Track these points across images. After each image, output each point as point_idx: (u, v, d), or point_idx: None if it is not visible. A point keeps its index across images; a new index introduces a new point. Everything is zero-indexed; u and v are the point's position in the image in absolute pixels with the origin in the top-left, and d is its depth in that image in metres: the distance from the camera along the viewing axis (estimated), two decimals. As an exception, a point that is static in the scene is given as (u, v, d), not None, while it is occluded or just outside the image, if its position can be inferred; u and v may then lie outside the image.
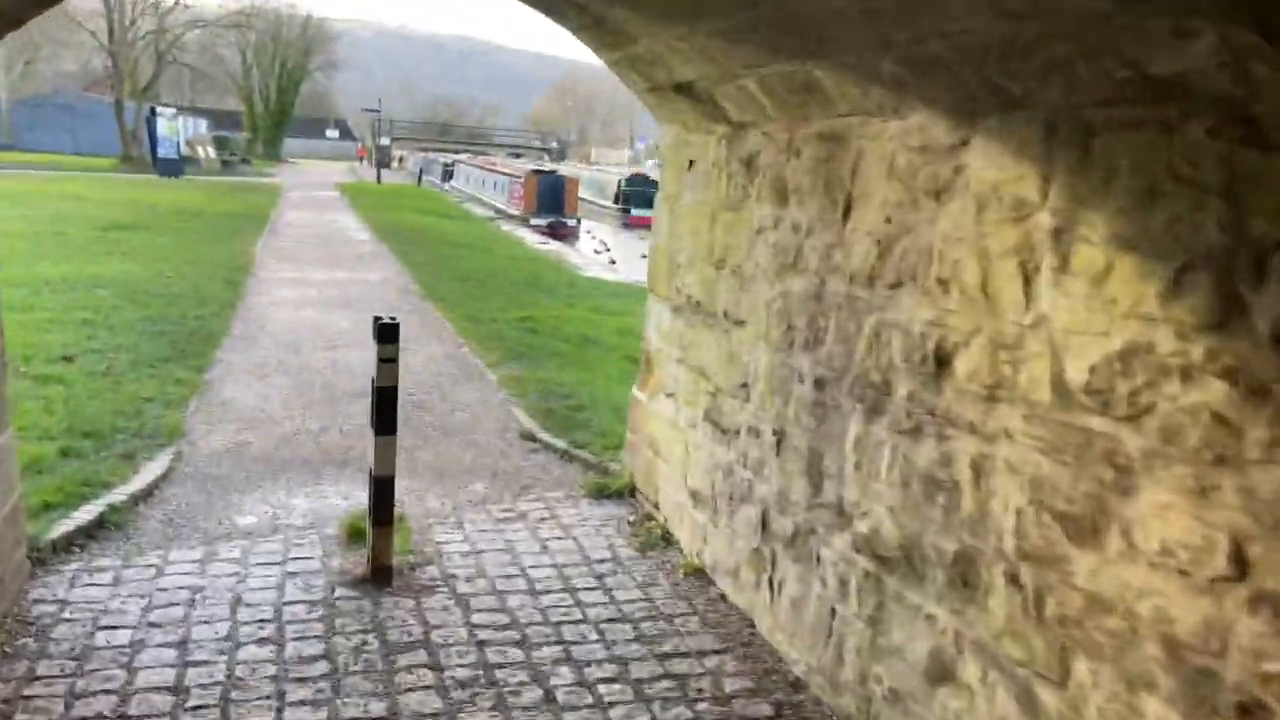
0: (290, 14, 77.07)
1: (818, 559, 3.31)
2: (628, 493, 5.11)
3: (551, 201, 31.64)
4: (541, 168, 38.24)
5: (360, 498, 4.86)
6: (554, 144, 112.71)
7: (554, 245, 22.76)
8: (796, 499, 3.44)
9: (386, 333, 3.91)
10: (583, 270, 17.21)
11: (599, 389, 7.33)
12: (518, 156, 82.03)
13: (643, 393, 5.03)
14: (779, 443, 3.57)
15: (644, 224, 39.57)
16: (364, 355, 8.07)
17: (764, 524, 3.68)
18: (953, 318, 2.61)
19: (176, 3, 46.75)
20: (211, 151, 50.47)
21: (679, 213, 4.53)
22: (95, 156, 46.40)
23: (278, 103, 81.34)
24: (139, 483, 4.81)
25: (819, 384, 3.28)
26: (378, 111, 45.87)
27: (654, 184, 39.03)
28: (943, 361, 2.65)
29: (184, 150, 48.66)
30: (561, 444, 5.88)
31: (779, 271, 3.55)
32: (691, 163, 4.35)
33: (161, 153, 36.85)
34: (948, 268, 2.63)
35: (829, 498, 3.23)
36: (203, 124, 66.42)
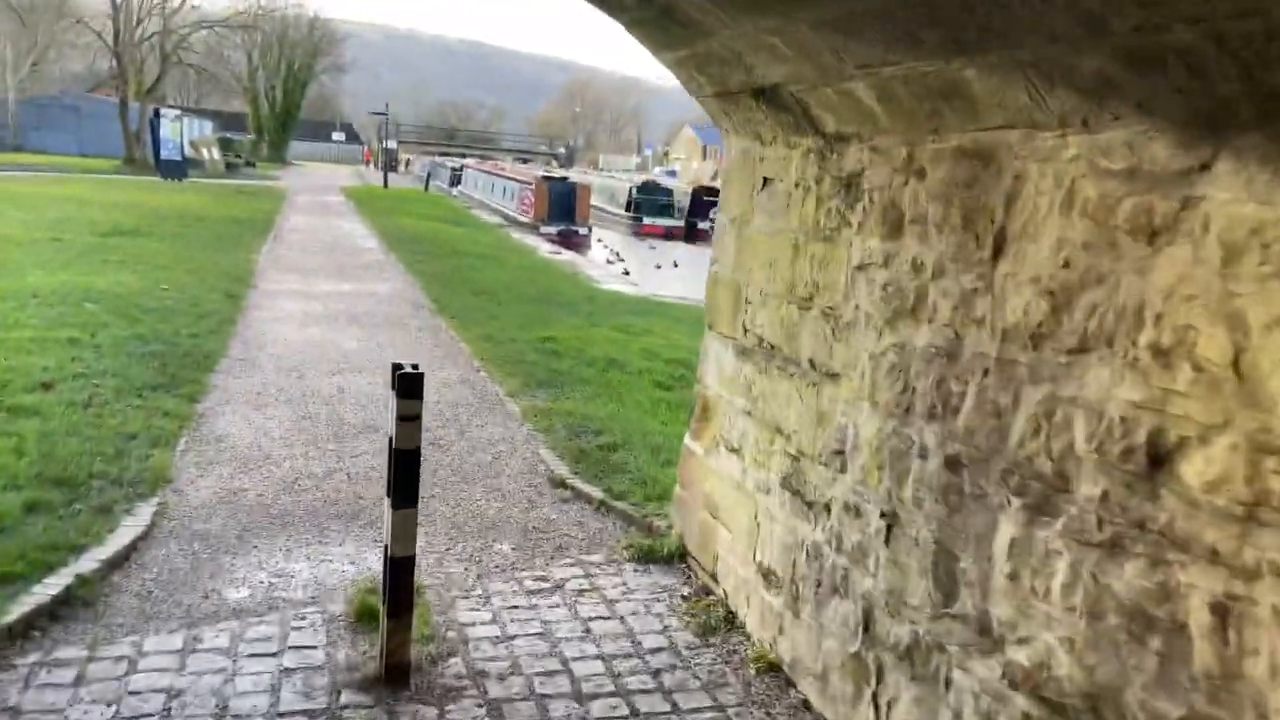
0: (297, 15, 76.56)
1: (947, 683, 2.63)
2: (677, 557, 4.45)
3: (562, 209, 31.04)
4: (552, 174, 37.66)
5: (371, 562, 4.20)
6: (561, 149, 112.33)
7: (567, 255, 22.14)
8: (916, 603, 2.77)
9: (409, 385, 3.24)
10: (600, 283, 16.56)
11: (632, 423, 6.67)
12: (525, 161, 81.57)
13: (698, 443, 4.36)
14: (889, 529, 2.90)
15: (655, 233, 39.03)
16: (373, 381, 7.43)
17: (866, 626, 3.01)
18: (1180, 402, 1.94)
19: (183, 3, 46.27)
20: (216, 154, 49.93)
21: (748, 239, 3.87)
22: (100, 158, 45.91)
23: (284, 105, 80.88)
24: (115, 544, 4.16)
25: (951, 464, 2.61)
26: (385, 114, 45.32)
27: (666, 192, 38.45)
28: (1160, 459, 1.98)
29: (188, 152, 48.19)
30: (597, 493, 5.21)
31: (891, 319, 2.89)
32: (766, 181, 3.70)
33: (164, 155, 36.30)
34: (1170, 334, 1.96)
35: (966, 609, 2.56)
36: (208, 125, 65.89)
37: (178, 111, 38.56)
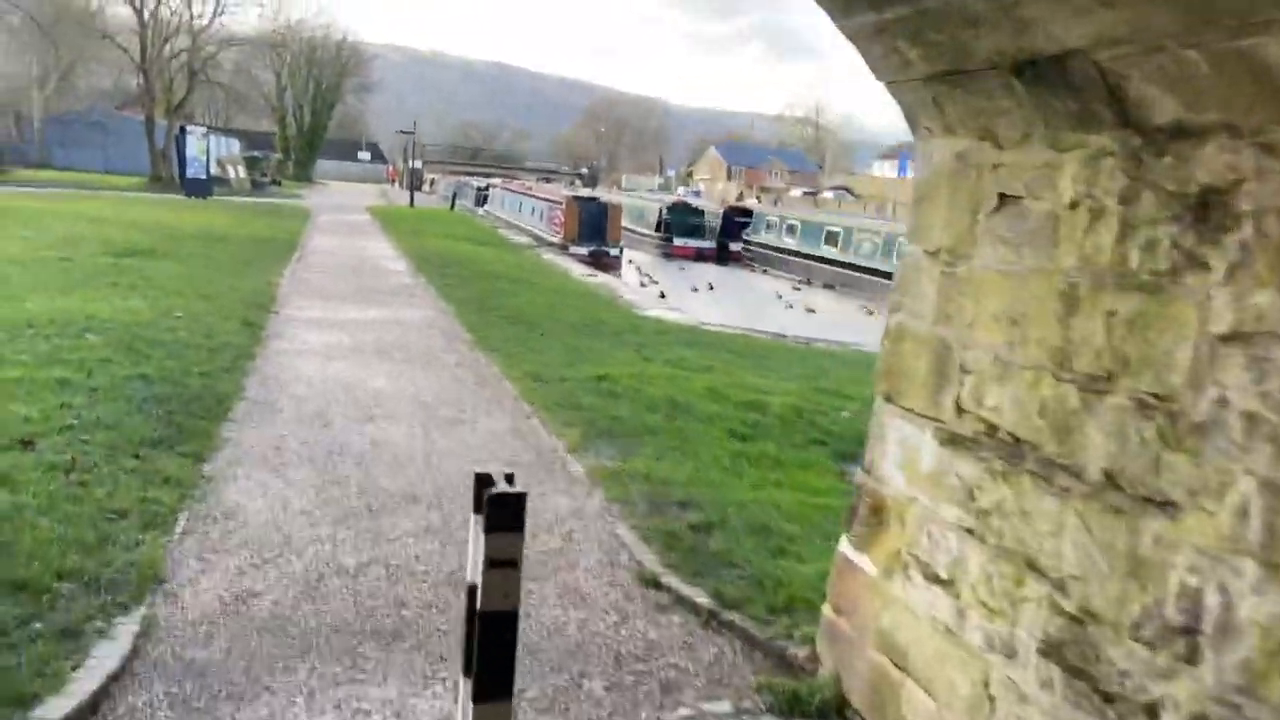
0: (325, 35, 76.57)
1: None
2: (834, 711, 3.29)
3: (593, 230, 30.00)
4: (581, 194, 36.71)
5: (421, 717, 3.08)
6: (584, 170, 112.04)
7: (601, 277, 21.08)
8: None
9: (504, 513, 2.08)
10: (641, 309, 15.45)
11: (720, 489, 5.54)
12: (548, 181, 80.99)
13: (866, 557, 3.21)
14: (1307, 776, 1.74)
15: (686, 254, 37.96)
16: (410, 431, 6.33)
17: None
18: None
19: (212, 21, 45.92)
20: (242, 172, 49.47)
21: (967, 280, 2.74)
22: (125, 175, 45.50)
23: (311, 124, 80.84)
24: (79, 690, 3.05)
25: None
26: (412, 133, 44.66)
27: (697, 213, 37.40)
28: None
29: (214, 170, 47.72)
30: (703, 598, 4.06)
31: (1307, 425, 1.74)
32: (1005, 199, 2.57)
33: (190, 173, 35.67)
34: None
35: None
36: (235, 144, 65.73)
37: (204, 129, 38.02)
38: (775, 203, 70.91)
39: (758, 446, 6.80)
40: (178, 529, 4.42)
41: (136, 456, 5.23)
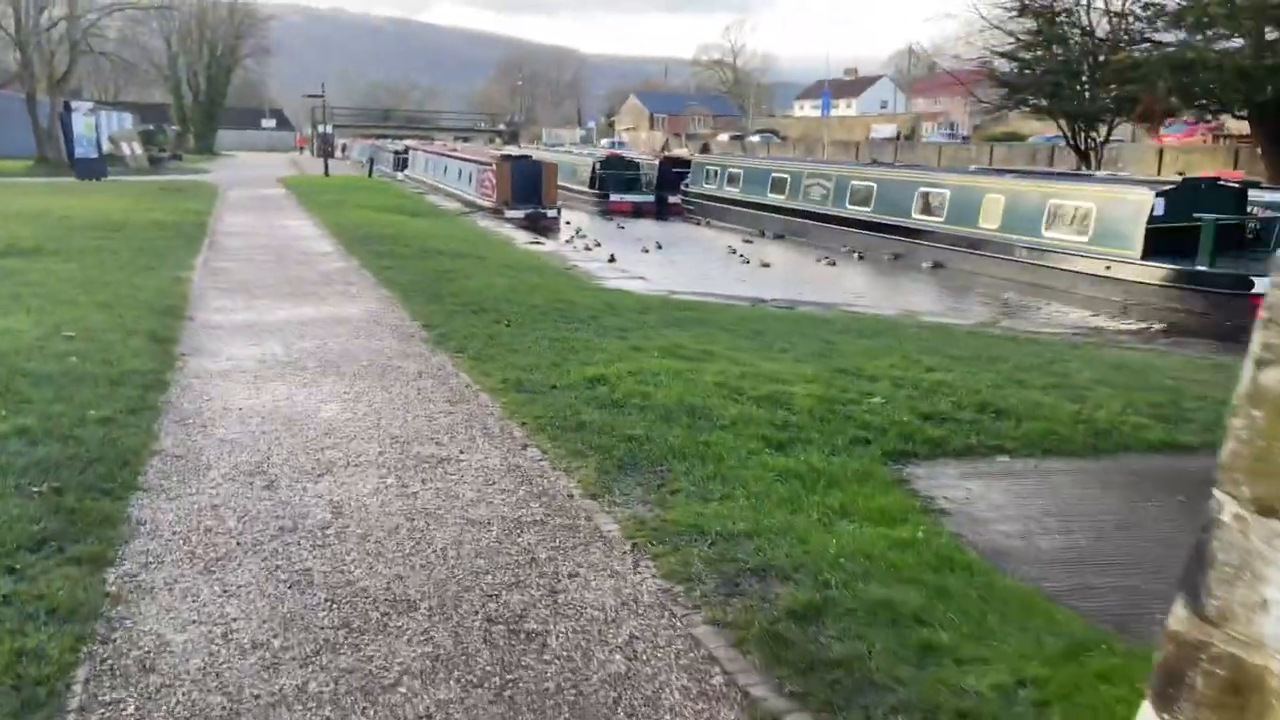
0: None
1: None
2: None
3: (528, 191, 28.27)
4: (513, 153, 34.78)
5: None
6: (502, 126, 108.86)
7: (548, 244, 19.56)
8: None
9: None
10: (604, 280, 14.05)
11: (792, 535, 4.32)
12: (466, 140, 78.24)
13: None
14: None
15: (623, 210, 36.39)
16: (381, 483, 4.93)
17: None
18: None
19: (89, -16, 42.15)
20: (138, 148, 46.07)
21: None
22: (8, 159, 41.89)
23: (208, 93, 76.44)
24: None
25: None
26: (321, 96, 41.97)
27: (632, 165, 35.78)
28: None
29: (106, 148, 44.33)
30: (863, 756, 2.83)
31: None
32: None
33: (79, 152, 32.74)
34: None
35: None
36: (127, 118, 61.64)
37: (91, 104, 34.99)
38: (703, 149, 69.46)
39: (801, 458, 5.59)
40: (70, 708, 2.99)
41: (11, 572, 3.76)
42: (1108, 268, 16.15)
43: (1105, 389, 7.72)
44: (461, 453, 5.49)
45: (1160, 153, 35.09)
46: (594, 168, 37.44)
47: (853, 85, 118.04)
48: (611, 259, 20.47)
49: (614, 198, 36.24)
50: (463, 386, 7.00)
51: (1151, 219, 15.56)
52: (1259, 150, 25.62)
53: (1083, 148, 31.32)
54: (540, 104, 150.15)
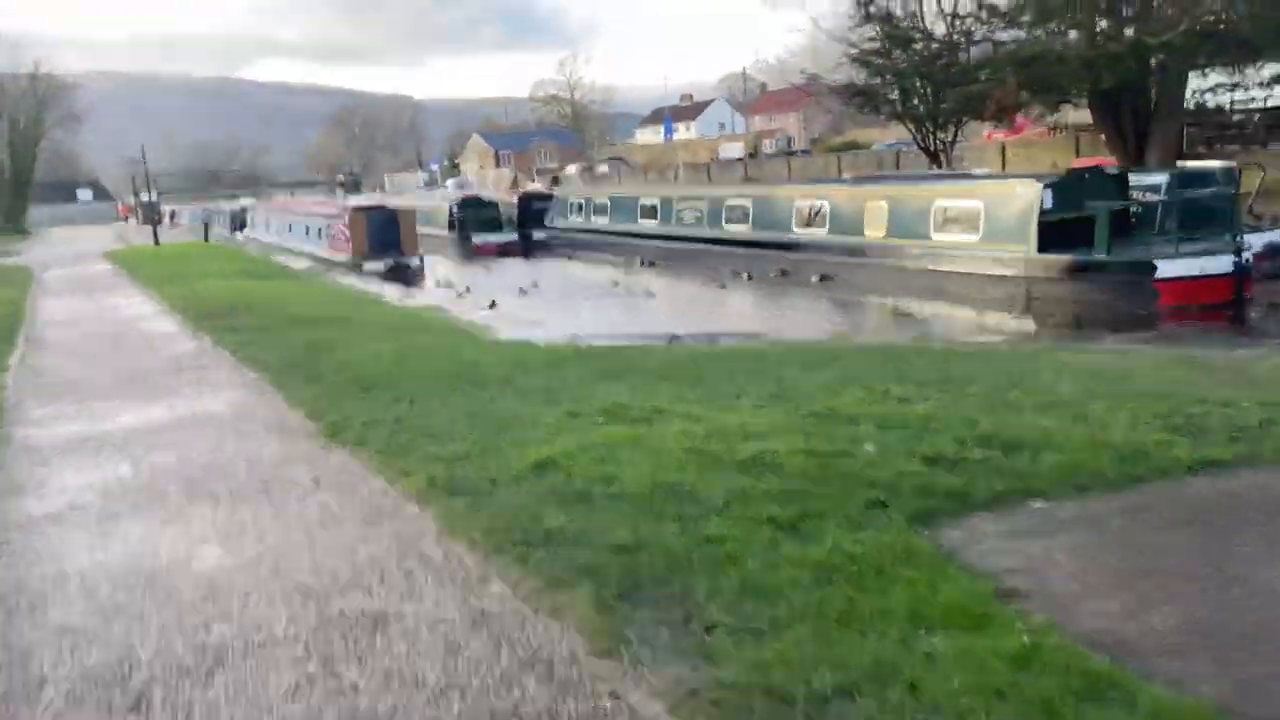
0: (14, 69, 66.42)
1: None
2: None
3: (385, 241, 26.53)
4: (365, 204, 32.78)
5: None
6: (341, 177, 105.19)
7: (421, 298, 18.00)
8: None
9: None
10: (494, 330, 12.69)
11: (920, 687, 3.18)
12: (292, 195, 74.87)
13: None
14: None
15: (487, 251, 34.86)
16: (301, 680, 3.50)
17: None
18: None
19: None
20: (-66, 234, 41.45)
21: None
22: None
23: (13, 168, 70.40)
24: None
25: None
26: (143, 160, 38.76)
27: (491, 205, 34.39)
28: None
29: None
30: None
31: None
32: None
33: None
34: None
35: None
36: (-80, 203, 55.92)
37: None
38: (554, 182, 68.59)
39: (827, 543, 4.50)
40: None
41: None
42: (1003, 265, 15.93)
43: (1099, 403, 6.97)
44: (403, 601, 4.09)
45: (1003, 149, 36.31)
46: (451, 210, 35.86)
47: (690, 109, 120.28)
48: (493, 305, 19.10)
49: (476, 240, 34.75)
50: (378, 494, 5.56)
51: (1042, 211, 15.42)
52: (1103, 137, 26.52)
53: (932, 149, 31.97)
54: (378, 152, 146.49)
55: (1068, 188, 15.65)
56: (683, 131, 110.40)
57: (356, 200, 50.89)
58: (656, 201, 26.90)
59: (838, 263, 19.67)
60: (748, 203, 22.83)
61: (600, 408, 7.15)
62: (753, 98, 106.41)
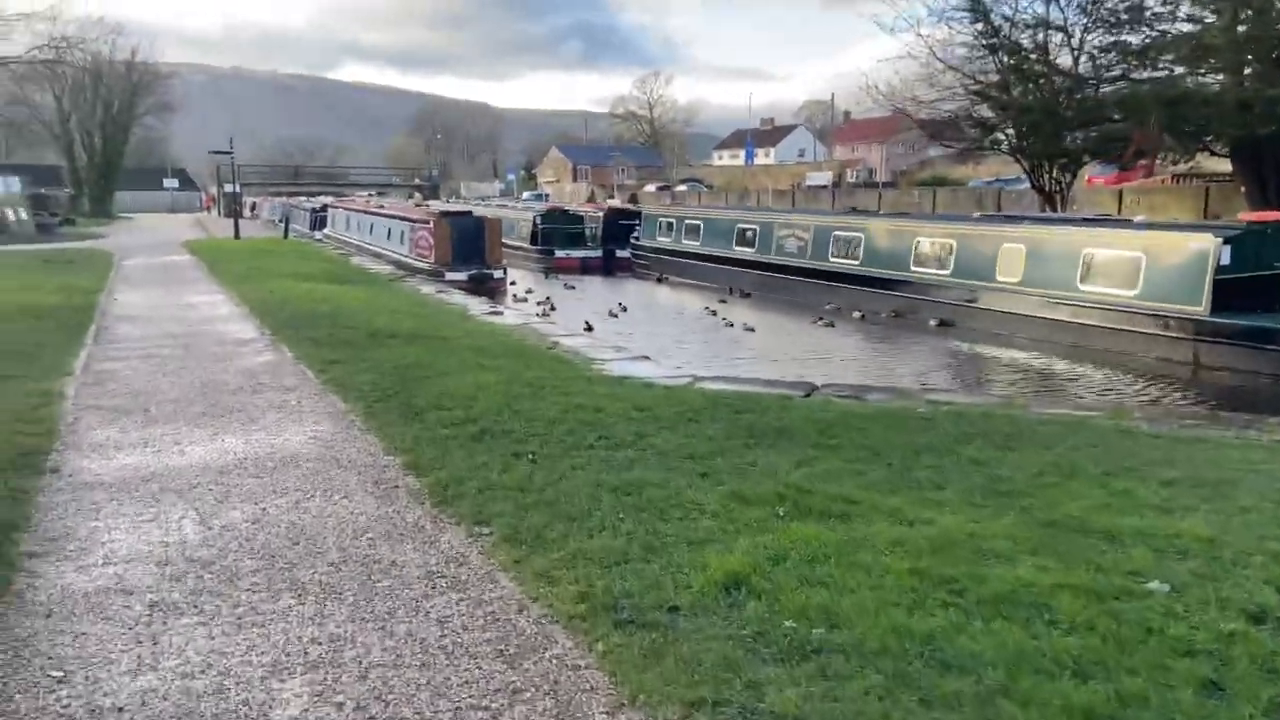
0: (111, 53, 67.58)
1: None
2: None
3: (470, 250, 25.45)
4: (451, 209, 31.85)
5: None
6: (419, 181, 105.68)
7: (509, 314, 16.74)
8: None
9: None
10: (600, 361, 11.31)
11: None
12: (381, 194, 75.00)
13: None
14: None
15: (570, 267, 33.73)
16: None
17: None
18: None
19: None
20: (23, 213, 41.80)
21: None
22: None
23: (104, 153, 71.69)
24: None
25: None
26: (229, 153, 38.52)
27: (576, 219, 33.22)
28: None
29: (-14, 214, 40.01)
30: None
31: None
32: None
33: (-53, 221, 28.70)
34: None
35: None
36: (14, 181, 56.96)
37: (-39, 165, 30.81)
38: (632, 199, 67.52)
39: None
40: None
41: None
42: (1167, 325, 14.11)
43: None
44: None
45: (1120, 195, 34.12)
46: (535, 222, 34.86)
47: (770, 134, 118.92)
48: (589, 328, 17.82)
49: (559, 254, 33.67)
50: (512, 608, 4.15)
51: (1218, 268, 13.60)
52: (1242, 189, 24.40)
53: (1047, 190, 30.01)
54: (455, 158, 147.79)
55: (1249, 242, 13.81)
56: (761, 157, 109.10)
57: (435, 205, 50.33)
58: (755, 226, 25.41)
59: (961, 307, 17.98)
60: (859, 235, 21.22)
61: (773, 491, 5.68)
62: (832, 125, 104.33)
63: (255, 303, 15.76)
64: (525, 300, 24.10)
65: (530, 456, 6.39)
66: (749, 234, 25.51)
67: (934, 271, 18.82)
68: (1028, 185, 31.80)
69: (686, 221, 29.38)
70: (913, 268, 19.32)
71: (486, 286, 24.75)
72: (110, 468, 6.32)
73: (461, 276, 24.57)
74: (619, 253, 33.73)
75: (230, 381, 9.31)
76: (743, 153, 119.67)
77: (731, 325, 19.27)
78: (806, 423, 7.80)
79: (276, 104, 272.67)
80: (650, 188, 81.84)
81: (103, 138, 71.09)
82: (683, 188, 78.62)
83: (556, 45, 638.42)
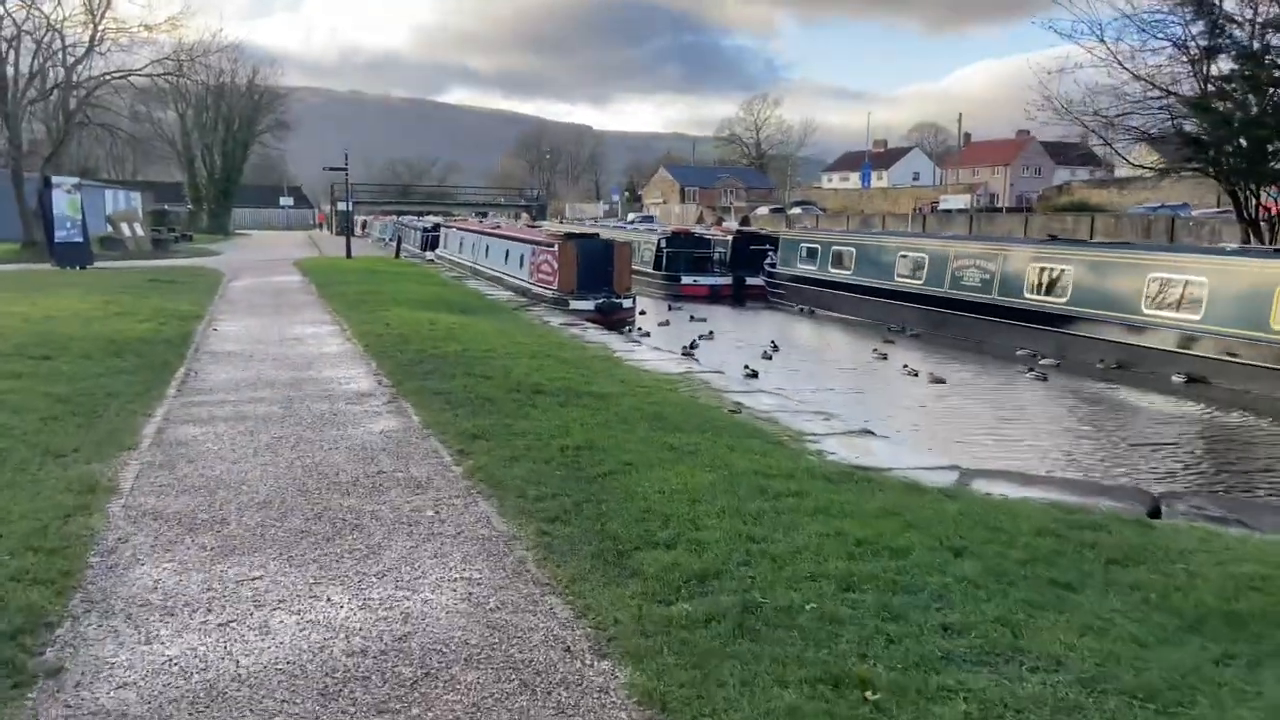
0: (234, 70, 68.26)
1: None
2: None
3: (597, 276, 22.88)
4: (577, 231, 29.48)
5: None
6: (525, 201, 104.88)
7: (657, 357, 14.01)
8: None
9: None
10: (809, 436, 8.44)
11: None
12: (483, 216, 73.93)
13: None
14: None
15: (698, 294, 30.96)
16: None
17: None
18: None
19: (89, 49, 37.75)
20: (139, 229, 41.38)
21: None
22: (4, 243, 37.13)
23: (224, 169, 72.51)
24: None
25: None
26: (344, 169, 37.18)
27: (703, 242, 30.18)
28: None
29: (104, 230, 39.62)
30: None
31: None
32: None
33: (59, 236, 27.72)
34: None
35: None
36: (135, 197, 57.44)
37: (74, 180, 30.04)
38: (744, 222, 64.60)
39: None
40: None
41: None
42: None
43: None
44: None
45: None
46: (659, 245, 32.24)
47: (883, 157, 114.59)
48: (753, 374, 15.00)
49: (685, 281, 30.97)
50: None
51: None
52: None
53: (1253, 218, 25.87)
54: (558, 179, 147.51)
55: None
56: (874, 180, 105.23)
57: (546, 225, 48.39)
58: (924, 255, 22.18)
59: (1216, 361, 14.49)
60: (1068, 268, 17.83)
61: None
62: (961, 145, 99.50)
63: (370, 337, 13.45)
64: (653, 335, 21.41)
65: (863, 690, 3.54)
66: (916, 263, 22.29)
67: (1175, 314, 15.36)
68: (1200, 213, 27.73)
69: (835, 247, 26.29)
70: (1145, 310, 15.87)
71: (615, 317, 22.17)
72: (143, 668, 3.74)
73: (588, 306, 22.04)
74: (749, 280, 30.86)
75: (341, 468, 6.75)
76: (853, 175, 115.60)
77: (915, 374, 16.15)
78: (1187, 576, 4.77)
79: (387, 126, 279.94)
80: (762, 210, 78.81)
81: (222, 154, 71.95)
82: (796, 210, 75.44)
83: (656, 68, 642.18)
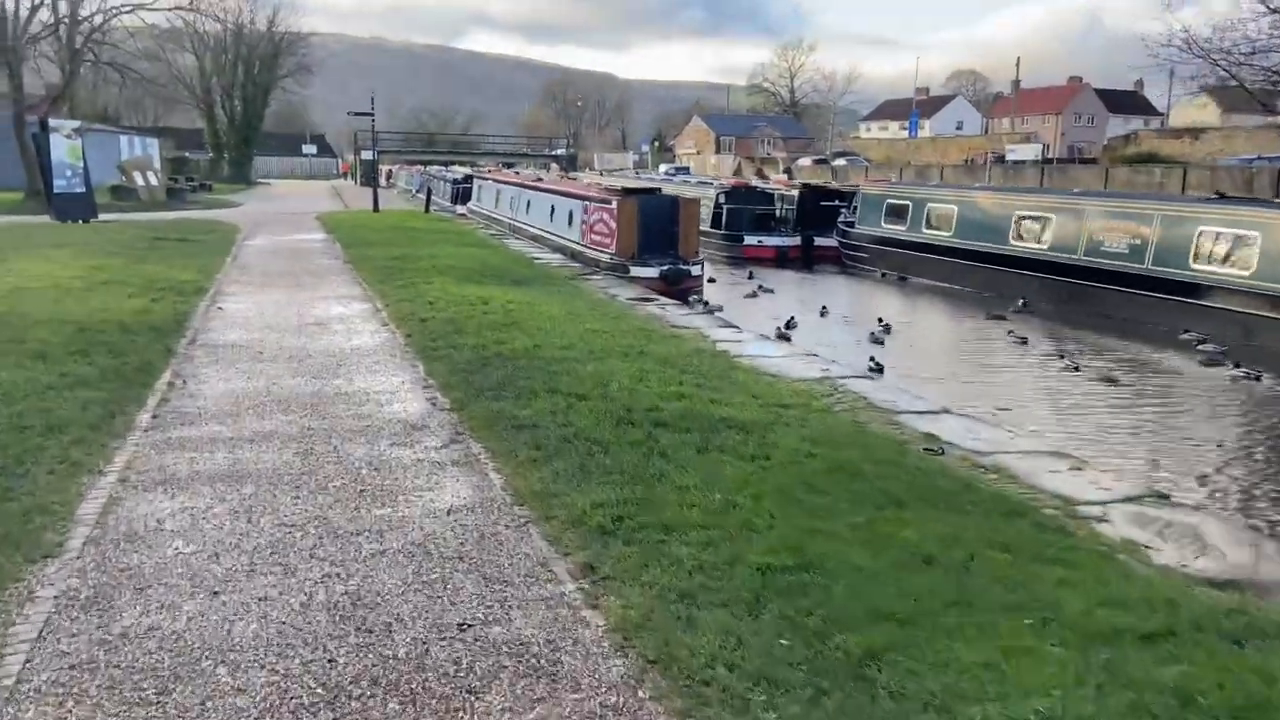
0: (253, 14, 64.91)
1: None
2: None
3: (661, 238, 19.79)
4: (635, 185, 26.29)
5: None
6: (559, 150, 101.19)
7: (783, 352, 11.07)
8: None
9: None
10: (1089, 510, 5.58)
11: None
12: (510, 166, 70.60)
13: None
14: None
15: (762, 256, 27.90)
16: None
17: None
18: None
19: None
20: (153, 178, 38.57)
21: None
22: (7, 191, 34.55)
23: (244, 116, 69.43)
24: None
25: None
26: (370, 114, 34.13)
27: (765, 198, 25.92)
28: None
29: (116, 179, 36.93)
30: None
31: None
32: None
33: (58, 185, 24.93)
34: None
35: None
36: (153, 144, 54.69)
37: (75, 124, 27.21)
38: (788, 174, 60.99)
39: None
40: None
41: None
42: None
43: None
44: None
45: None
46: (717, 201, 29.06)
47: (924, 105, 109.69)
48: (879, 369, 12.05)
49: (749, 241, 27.84)
50: None
51: None
52: None
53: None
54: (585, 128, 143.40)
55: None
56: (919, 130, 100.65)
57: (579, 177, 45.18)
58: (1048, 214, 18.98)
59: None
60: (1254, 233, 14.65)
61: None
62: (1015, 92, 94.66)
63: (412, 322, 10.63)
64: (721, 310, 18.45)
65: None
66: (1035, 224, 19.11)
67: None
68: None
69: (930, 205, 23.06)
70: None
71: (682, 286, 19.19)
72: None
73: (652, 273, 19.04)
74: (819, 240, 27.74)
75: (397, 614, 3.93)
76: (892, 125, 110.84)
77: (1076, 369, 13.14)
78: None
79: (409, 73, 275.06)
80: (804, 161, 74.89)
81: (243, 100, 68.89)
82: (842, 161, 71.66)
83: (677, 12, 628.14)
